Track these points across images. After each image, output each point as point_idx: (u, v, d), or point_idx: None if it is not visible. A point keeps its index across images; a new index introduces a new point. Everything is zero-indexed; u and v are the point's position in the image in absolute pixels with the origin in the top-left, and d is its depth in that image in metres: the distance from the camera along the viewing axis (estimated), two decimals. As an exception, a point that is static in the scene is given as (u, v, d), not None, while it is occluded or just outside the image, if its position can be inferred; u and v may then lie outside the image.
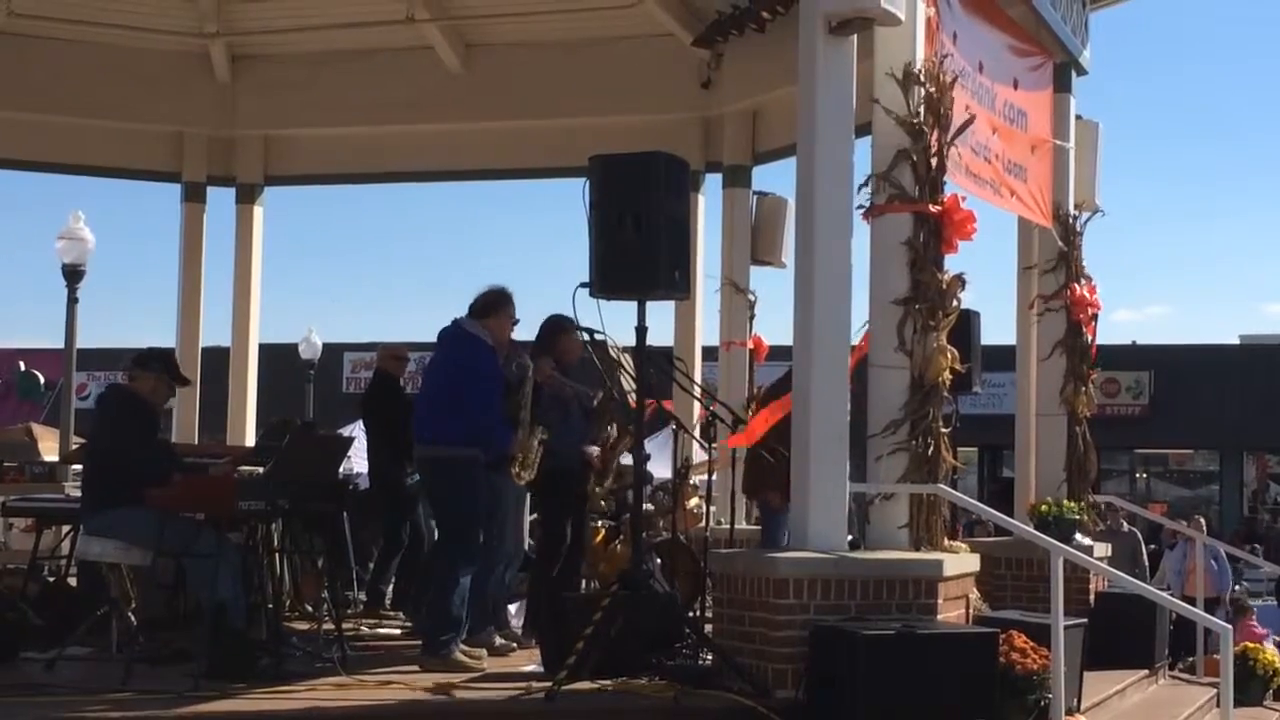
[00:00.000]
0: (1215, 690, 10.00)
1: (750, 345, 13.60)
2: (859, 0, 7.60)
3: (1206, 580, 15.16)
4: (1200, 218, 71.37)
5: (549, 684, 7.35)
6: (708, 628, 8.29)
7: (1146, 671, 10.10)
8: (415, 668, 8.27)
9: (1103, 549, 10.74)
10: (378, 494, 11.11)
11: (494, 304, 8.86)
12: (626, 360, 10.09)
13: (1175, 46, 73.49)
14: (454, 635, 8.40)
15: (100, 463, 8.47)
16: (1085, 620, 8.93)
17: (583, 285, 7.97)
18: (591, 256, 7.95)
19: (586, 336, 8.61)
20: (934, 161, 8.12)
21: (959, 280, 8.18)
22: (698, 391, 11.02)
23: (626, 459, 11.43)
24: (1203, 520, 21.14)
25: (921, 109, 8.12)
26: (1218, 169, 70.80)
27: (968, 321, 9.85)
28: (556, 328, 9.46)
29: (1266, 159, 69.52)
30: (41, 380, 40.25)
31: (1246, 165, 71.16)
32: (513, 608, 9.88)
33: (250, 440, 14.34)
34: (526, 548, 9.94)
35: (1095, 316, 11.17)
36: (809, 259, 7.73)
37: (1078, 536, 10.32)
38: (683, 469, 11.59)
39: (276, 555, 9.05)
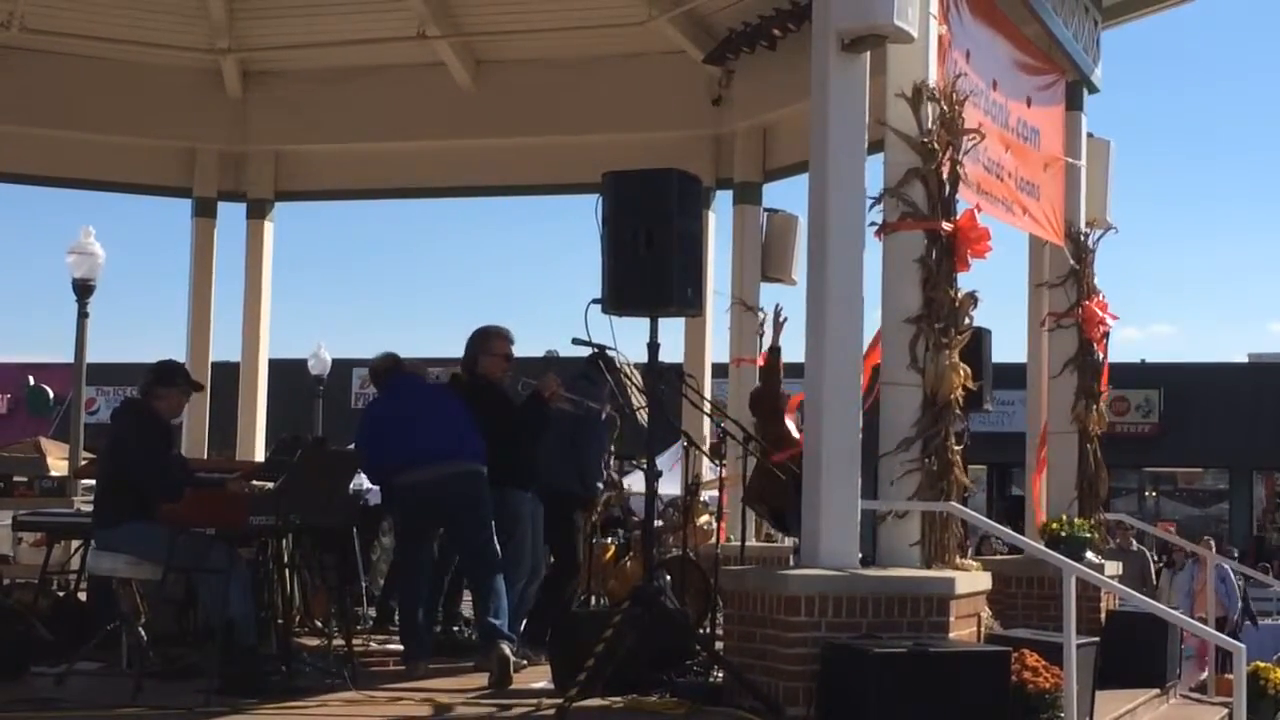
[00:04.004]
0: (1226, 710, 9.98)
1: (760, 362, 13.58)
2: (872, 18, 7.58)
3: (1216, 600, 15.14)
4: (1204, 237, 71.40)
5: (560, 701, 7.34)
6: (718, 645, 8.27)
7: (1158, 691, 10.05)
8: (423, 684, 8.30)
9: (1114, 567, 10.71)
10: (388, 510, 11.09)
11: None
12: (636, 376, 10.11)
13: (1178, 65, 73.55)
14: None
15: (114, 476, 8.48)
16: (1097, 639, 8.90)
17: (595, 301, 7.97)
18: (604, 273, 7.96)
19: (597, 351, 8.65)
20: (946, 179, 8.11)
21: (971, 298, 8.16)
22: (708, 408, 11.02)
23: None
24: (1211, 540, 21.10)
25: (934, 127, 8.10)
26: (1219, 188, 70.80)
27: (979, 339, 9.82)
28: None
29: (1270, 177, 69.45)
30: (50, 395, 40.26)
31: (1249, 184, 71.13)
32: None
33: (260, 456, 14.35)
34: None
35: (1107, 334, 11.15)
36: (821, 277, 7.71)
37: (1089, 555, 10.29)
38: (693, 486, 11.59)
39: (287, 571, 9.04)
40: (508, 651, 8.47)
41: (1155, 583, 19.65)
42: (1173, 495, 40.84)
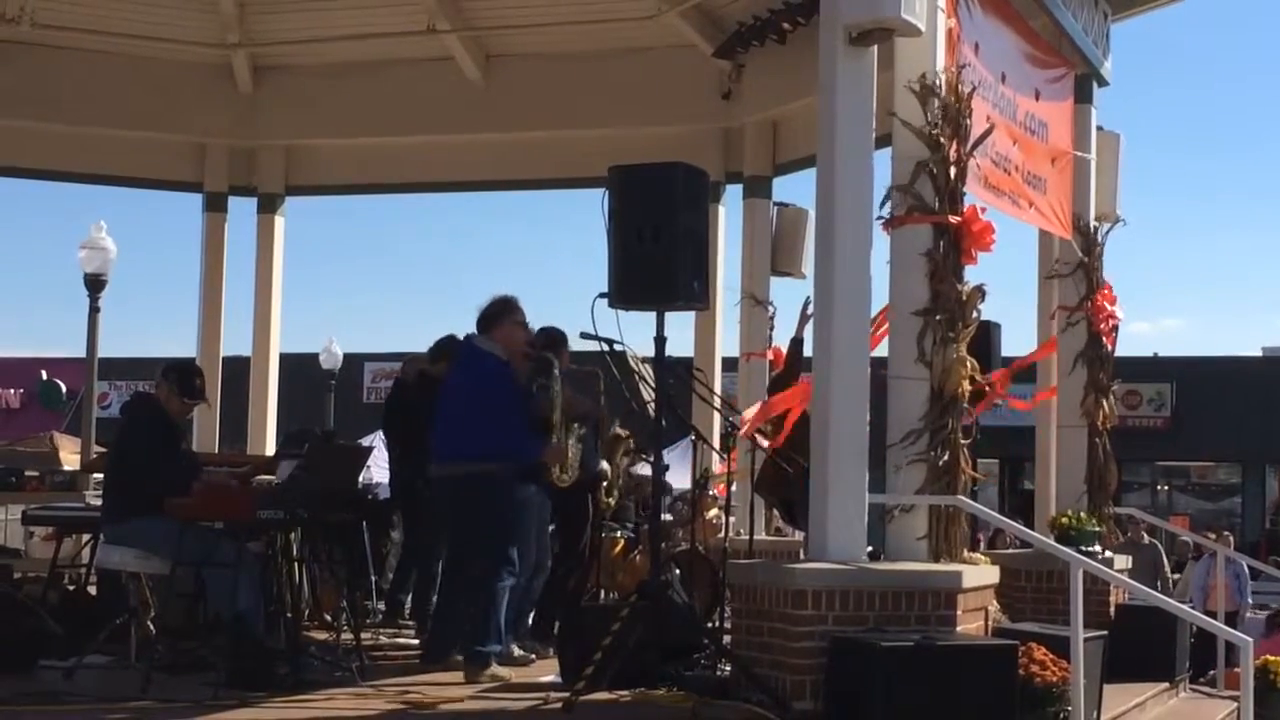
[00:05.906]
0: (1236, 704, 9.95)
1: (770, 356, 13.58)
2: (879, 11, 7.57)
3: (1228, 593, 15.09)
4: (1215, 230, 71.13)
5: (567, 694, 7.35)
6: (726, 639, 8.27)
7: (1167, 685, 10.04)
8: (432, 678, 8.29)
9: (1123, 561, 10.70)
10: (398, 504, 11.10)
11: (497, 314, 8.91)
12: (646, 370, 10.11)
13: (1190, 57, 73.23)
14: (498, 648, 8.48)
15: (121, 470, 8.51)
16: (1105, 633, 8.89)
17: (601, 295, 7.96)
18: (610, 267, 7.95)
19: (605, 347, 8.62)
20: (953, 173, 8.08)
21: (978, 291, 8.14)
22: (717, 403, 11.02)
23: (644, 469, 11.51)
24: (1230, 535, 21.07)
25: (940, 120, 8.08)
26: (1230, 181, 70.56)
27: (988, 333, 9.82)
28: (559, 341, 9.47)
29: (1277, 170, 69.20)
30: (63, 389, 40.41)
31: (1259, 177, 70.90)
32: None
33: (270, 450, 14.37)
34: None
35: (1115, 328, 11.13)
36: (829, 270, 7.70)
37: (1097, 549, 10.28)
38: (701, 480, 11.57)
39: (296, 565, 9.06)
40: (471, 677, 8.31)
41: (1170, 576, 19.61)
42: (1185, 489, 40.73)
